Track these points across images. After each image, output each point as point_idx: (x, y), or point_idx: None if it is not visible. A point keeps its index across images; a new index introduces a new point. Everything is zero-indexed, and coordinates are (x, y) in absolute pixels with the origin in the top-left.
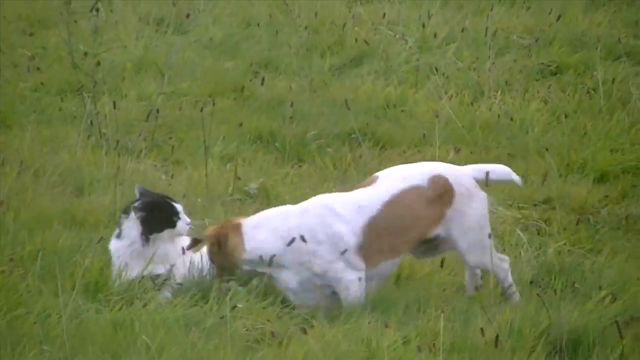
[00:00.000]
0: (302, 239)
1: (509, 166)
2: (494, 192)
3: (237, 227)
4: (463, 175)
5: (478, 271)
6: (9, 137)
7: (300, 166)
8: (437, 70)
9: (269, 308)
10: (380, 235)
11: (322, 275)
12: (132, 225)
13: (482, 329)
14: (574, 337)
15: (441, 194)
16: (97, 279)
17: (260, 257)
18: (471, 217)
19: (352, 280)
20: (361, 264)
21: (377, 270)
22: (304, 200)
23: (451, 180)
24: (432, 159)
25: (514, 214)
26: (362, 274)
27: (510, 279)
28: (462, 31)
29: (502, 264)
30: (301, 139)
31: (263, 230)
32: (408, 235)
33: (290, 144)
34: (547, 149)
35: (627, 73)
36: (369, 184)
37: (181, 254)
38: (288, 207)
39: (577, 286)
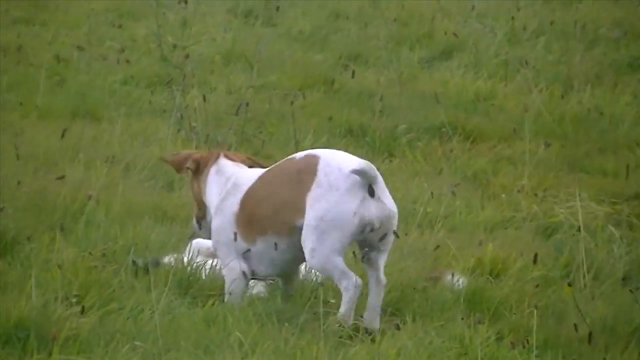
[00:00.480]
0: None
1: (599, 161)
2: (585, 187)
3: (215, 160)
4: (338, 163)
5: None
6: (99, 130)
7: (390, 160)
8: (526, 64)
9: (362, 304)
10: (252, 209)
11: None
12: None
13: (575, 326)
14: None
15: (304, 176)
16: (190, 275)
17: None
18: (320, 211)
19: (232, 268)
20: (242, 244)
21: (255, 248)
22: (395, 195)
23: (321, 163)
24: (522, 153)
25: (605, 209)
26: (245, 267)
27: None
28: (551, 24)
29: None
30: (391, 132)
31: (216, 178)
32: (275, 213)
33: (380, 138)
34: (637, 144)
35: None
36: None
37: None
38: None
39: None
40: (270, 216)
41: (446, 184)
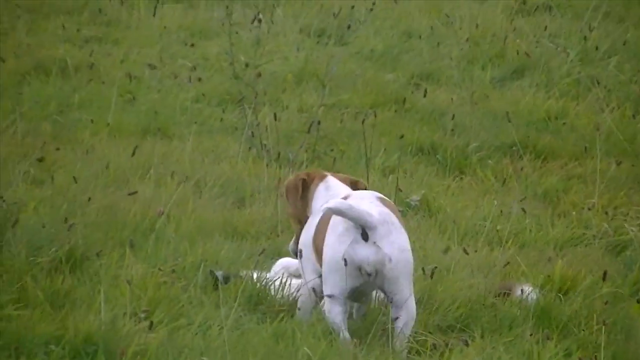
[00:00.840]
0: None
1: None
2: None
3: (321, 178)
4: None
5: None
6: (170, 148)
7: (461, 178)
8: (598, 83)
9: (430, 319)
10: (316, 238)
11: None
12: None
13: None
14: None
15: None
16: (259, 291)
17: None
18: (323, 254)
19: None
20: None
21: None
22: (465, 212)
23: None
24: (593, 172)
25: None
26: (317, 284)
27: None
28: (624, 44)
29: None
30: (462, 151)
31: (324, 194)
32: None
33: (451, 156)
34: None
35: None
36: None
37: None
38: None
39: None
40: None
41: (516, 202)
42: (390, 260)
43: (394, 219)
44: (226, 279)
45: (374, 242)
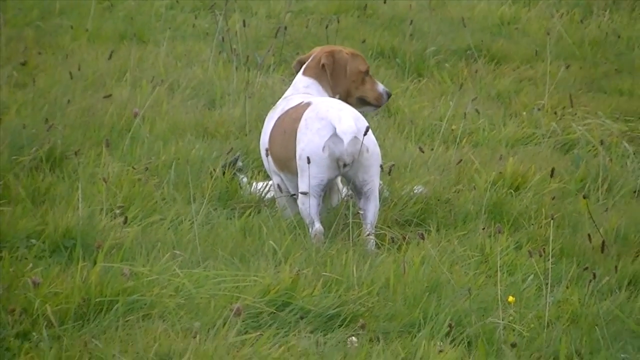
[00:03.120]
0: None
1: (615, 81)
2: (602, 106)
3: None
4: (318, 109)
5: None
6: (145, 52)
7: (419, 80)
8: None
9: (389, 214)
10: (271, 147)
11: None
12: None
13: (589, 235)
14: None
15: (295, 124)
16: (228, 187)
17: None
18: (299, 150)
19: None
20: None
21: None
22: (422, 112)
23: (306, 111)
24: (543, 74)
25: (620, 126)
26: (279, 180)
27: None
28: None
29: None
30: (420, 55)
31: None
32: (285, 160)
33: (410, 60)
34: None
35: None
36: None
37: None
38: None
39: None
40: (282, 161)
41: (470, 103)
42: (367, 150)
43: (364, 119)
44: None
45: (355, 136)
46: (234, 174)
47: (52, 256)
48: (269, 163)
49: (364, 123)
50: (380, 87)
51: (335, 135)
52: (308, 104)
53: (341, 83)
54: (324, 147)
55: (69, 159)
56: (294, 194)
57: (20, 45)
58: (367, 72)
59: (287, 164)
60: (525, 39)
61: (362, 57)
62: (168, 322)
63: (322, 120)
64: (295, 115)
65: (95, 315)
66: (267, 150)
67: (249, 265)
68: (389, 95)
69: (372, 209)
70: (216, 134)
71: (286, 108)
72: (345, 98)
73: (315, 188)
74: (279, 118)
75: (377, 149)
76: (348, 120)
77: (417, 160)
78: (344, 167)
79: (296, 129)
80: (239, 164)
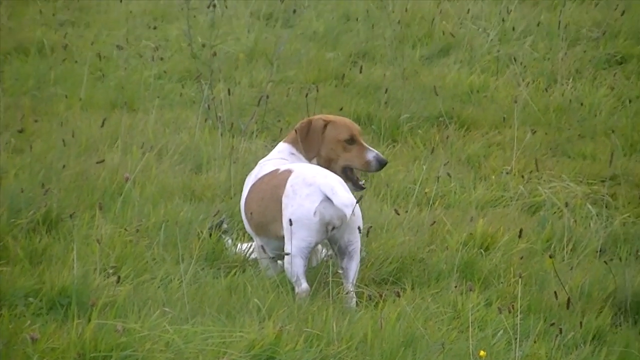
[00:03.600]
0: None
1: (579, 146)
2: (566, 169)
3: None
4: (302, 174)
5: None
6: (135, 120)
7: (394, 146)
8: (515, 60)
9: (366, 273)
10: (250, 211)
11: None
12: None
13: (555, 293)
14: (638, 300)
15: (278, 190)
16: (214, 248)
17: None
18: (287, 215)
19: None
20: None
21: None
22: (397, 176)
23: (290, 177)
24: (511, 139)
25: (583, 189)
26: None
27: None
28: (538, 25)
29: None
30: (394, 121)
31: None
32: (264, 224)
33: (385, 126)
34: (613, 131)
35: None
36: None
37: None
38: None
39: None
40: (261, 225)
41: (442, 167)
42: (353, 213)
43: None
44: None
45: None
46: (220, 235)
47: (49, 313)
48: (249, 226)
49: (346, 187)
50: (371, 154)
51: (325, 200)
52: (289, 171)
53: (313, 149)
54: (315, 211)
55: (64, 221)
56: (275, 256)
57: (17, 113)
58: (351, 140)
59: (265, 228)
60: (494, 106)
61: (347, 126)
62: None
63: (311, 186)
64: (274, 181)
65: None
66: (250, 214)
67: (234, 321)
68: (380, 163)
69: (354, 267)
70: (203, 197)
71: (259, 175)
72: (327, 165)
73: (303, 250)
74: (253, 185)
75: (359, 211)
76: (341, 191)
77: (392, 221)
78: (332, 229)
79: (279, 195)
80: (224, 226)
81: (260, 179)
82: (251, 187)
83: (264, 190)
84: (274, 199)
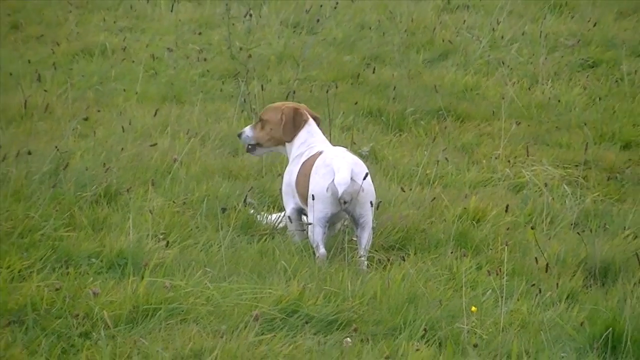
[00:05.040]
0: None
1: (556, 136)
2: (545, 155)
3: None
4: (326, 158)
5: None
6: (182, 111)
7: (400, 134)
8: (503, 64)
9: (376, 241)
10: (297, 185)
11: None
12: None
13: (536, 259)
14: (605, 265)
15: (311, 169)
16: (248, 218)
17: None
18: (310, 190)
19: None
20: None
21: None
22: (403, 160)
23: (318, 159)
24: (499, 130)
25: (560, 172)
26: (291, 212)
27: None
28: (522, 34)
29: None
30: (401, 114)
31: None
32: (305, 195)
33: (392, 118)
34: (585, 124)
35: None
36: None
37: None
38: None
39: (607, 227)
40: (304, 197)
41: (441, 153)
42: (362, 190)
43: (362, 163)
44: (252, 205)
45: (351, 178)
46: (244, 207)
47: (108, 272)
48: (289, 198)
49: (363, 169)
50: None
51: (342, 179)
52: (319, 153)
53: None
54: (327, 188)
55: (122, 195)
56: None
57: (83, 104)
58: None
59: (307, 199)
60: (485, 102)
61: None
62: (200, 325)
63: (327, 167)
64: (311, 161)
65: (143, 320)
66: (297, 187)
67: (264, 280)
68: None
69: (365, 237)
70: (239, 176)
71: (310, 155)
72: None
73: (321, 220)
74: (303, 164)
75: (372, 189)
76: (344, 172)
77: (398, 197)
78: (344, 204)
79: (310, 173)
80: (249, 200)
81: (308, 158)
82: (300, 167)
83: (306, 168)
84: (308, 176)
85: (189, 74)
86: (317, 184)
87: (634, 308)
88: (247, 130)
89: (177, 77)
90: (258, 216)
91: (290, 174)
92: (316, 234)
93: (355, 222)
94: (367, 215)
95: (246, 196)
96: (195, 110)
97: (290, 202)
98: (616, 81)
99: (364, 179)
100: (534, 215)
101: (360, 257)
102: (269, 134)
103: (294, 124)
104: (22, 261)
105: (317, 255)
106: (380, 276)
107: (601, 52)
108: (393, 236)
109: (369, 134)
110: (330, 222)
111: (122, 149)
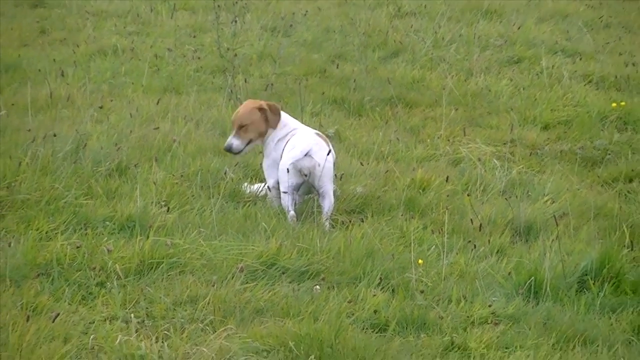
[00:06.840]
0: None
1: (488, 120)
2: (479, 135)
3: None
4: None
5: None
6: (180, 100)
7: (359, 119)
8: (444, 60)
9: (340, 206)
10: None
11: None
12: None
13: (471, 220)
14: (528, 225)
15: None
16: (235, 188)
17: None
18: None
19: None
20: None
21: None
22: (362, 139)
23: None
24: (441, 116)
25: (491, 149)
26: (272, 183)
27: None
28: (460, 36)
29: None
30: (360, 102)
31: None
32: None
33: (353, 105)
34: (511, 109)
35: (561, 62)
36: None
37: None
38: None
39: (530, 194)
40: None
41: (393, 133)
42: (319, 165)
43: (323, 143)
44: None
45: (311, 156)
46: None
47: (120, 233)
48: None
49: (323, 147)
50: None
51: (299, 156)
52: (293, 134)
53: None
54: (292, 163)
55: (130, 169)
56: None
57: (99, 95)
58: None
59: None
60: (429, 92)
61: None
62: (195, 276)
63: (294, 146)
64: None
65: (148, 272)
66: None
67: (248, 238)
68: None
69: (327, 204)
70: (227, 153)
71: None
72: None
73: (289, 188)
74: (287, 142)
75: (330, 164)
76: (297, 150)
77: (358, 170)
78: (305, 176)
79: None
80: (228, 172)
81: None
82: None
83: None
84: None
85: (186, 69)
86: (284, 159)
87: (552, 260)
88: (234, 140)
89: (175, 72)
90: (242, 186)
91: (277, 152)
92: (284, 200)
93: (317, 191)
94: (326, 186)
95: (226, 170)
96: (190, 99)
97: (272, 175)
98: (537, 74)
99: (328, 155)
100: (470, 185)
101: (325, 220)
102: (255, 131)
103: (275, 113)
104: (49, 224)
105: (288, 217)
106: (343, 235)
107: (524, 50)
108: (354, 202)
109: (334, 119)
110: (300, 191)
111: (131, 131)
